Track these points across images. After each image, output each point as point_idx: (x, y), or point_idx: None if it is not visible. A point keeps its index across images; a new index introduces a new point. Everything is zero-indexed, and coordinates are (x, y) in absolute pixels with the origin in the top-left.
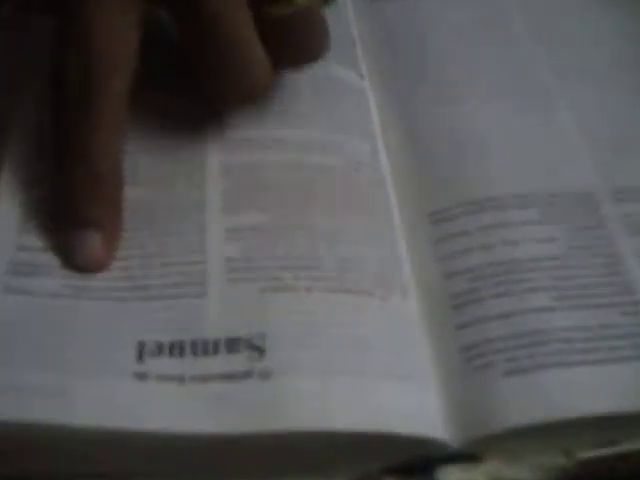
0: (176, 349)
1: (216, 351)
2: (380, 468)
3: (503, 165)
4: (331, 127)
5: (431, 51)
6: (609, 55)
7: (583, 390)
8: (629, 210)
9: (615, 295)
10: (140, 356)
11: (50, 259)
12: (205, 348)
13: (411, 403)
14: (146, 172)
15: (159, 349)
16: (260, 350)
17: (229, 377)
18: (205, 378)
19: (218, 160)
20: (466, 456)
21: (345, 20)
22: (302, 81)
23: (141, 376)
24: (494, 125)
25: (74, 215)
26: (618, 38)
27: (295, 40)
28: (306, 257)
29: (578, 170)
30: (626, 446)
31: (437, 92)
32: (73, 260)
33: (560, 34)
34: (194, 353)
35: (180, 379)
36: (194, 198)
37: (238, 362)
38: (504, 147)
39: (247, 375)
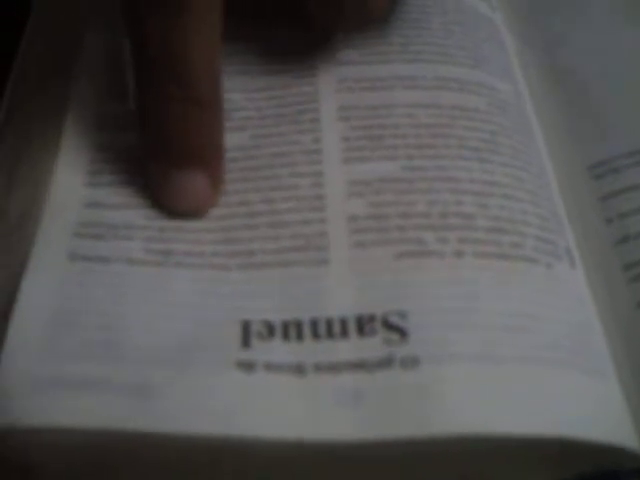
0: (292, 330)
1: (344, 333)
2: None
3: None
4: (467, 62)
5: None
6: None
7: None
8: None
9: None
10: (245, 340)
11: (127, 217)
12: (329, 329)
13: (593, 401)
14: (247, 114)
15: (270, 331)
16: (401, 331)
17: (362, 366)
18: (332, 367)
19: (334, 101)
20: None
21: None
22: (429, 10)
23: (247, 366)
24: None
25: (170, 150)
26: None
27: None
28: (451, 215)
29: None
30: None
31: (584, 22)
32: (171, 205)
33: None
34: (315, 335)
35: (299, 369)
36: (308, 145)
37: (373, 346)
38: None
39: (386, 363)
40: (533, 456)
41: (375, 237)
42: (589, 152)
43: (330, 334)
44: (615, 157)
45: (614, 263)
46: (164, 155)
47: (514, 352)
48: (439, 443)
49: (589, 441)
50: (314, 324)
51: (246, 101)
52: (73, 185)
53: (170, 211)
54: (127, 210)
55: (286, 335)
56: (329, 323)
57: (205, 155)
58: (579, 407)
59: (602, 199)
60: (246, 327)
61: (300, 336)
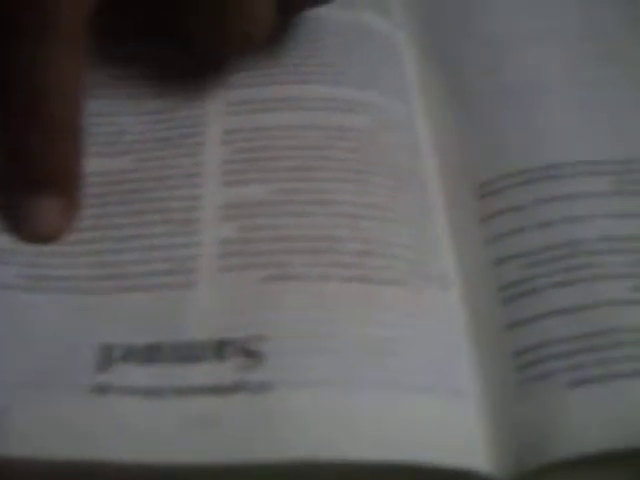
0: (153, 354)
1: (204, 357)
2: None
3: (567, 125)
4: (358, 82)
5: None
6: None
7: None
8: None
9: None
10: (103, 364)
11: (2, 241)
12: (189, 353)
13: (452, 425)
14: (132, 137)
15: (131, 354)
16: (256, 356)
17: (215, 390)
18: (189, 391)
19: (221, 124)
20: None
21: None
22: (325, 29)
23: (101, 389)
24: (555, 78)
25: (21, 176)
26: None
27: None
28: (322, 238)
29: None
30: None
31: (484, 44)
32: (21, 231)
33: None
34: (176, 359)
35: (155, 392)
36: (188, 169)
37: (230, 371)
38: (568, 103)
39: (241, 387)
40: None
41: (242, 261)
42: (477, 172)
43: (190, 358)
44: (500, 177)
45: (491, 283)
46: (16, 181)
47: (374, 378)
48: (294, 467)
49: (446, 466)
50: (176, 348)
51: (134, 125)
52: None
53: (22, 238)
54: (2, 235)
55: (148, 359)
56: (189, 347)
57: (57, 181)
58: (435, 432)
59: (483, 219)
60: (106, 351)
61: (161, 360)
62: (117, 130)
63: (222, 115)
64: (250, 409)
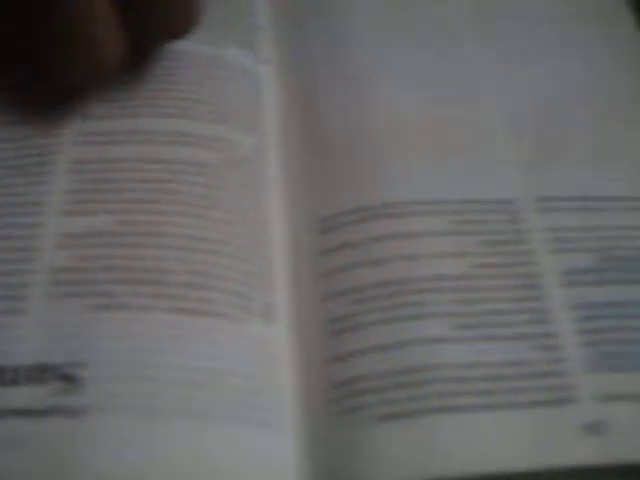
0: None
1: (24, 381)
2: None
3: (410, 165)
4: (209, 117)
5: (343, 36)
6: (546, 42)
7: (479, 441)
8: (556, 223)
9: (527, 325)
10: None
11: None
12: (13, 376)
13: (261, 454)
14: None
15: None
16: (75, 381)
17: (29, 413)
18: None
19: (71, 154)
20: None
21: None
22: (183, 63)
23: None
24: (405, 120)
25: None
26: (564, 21)
27: (156, 12)
28: (149, 270)
29: (499, 173)
30: None
31: (345, 82)
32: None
33: (495, 14)
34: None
35: None
36: (33, 196)
37: (44, 395)
38: (414, 145)
39: (51, 411)
40: None
41: (71, 289)
42: (320, 207)
43: (13, 381)
44: (341, 213)
45: (319, 317)
46: None
47: (182, 406)
48: None
49: None
50: (1, 371)
51: None
52: None
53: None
54: None
55: None
56: (14, 371)
57: None
58: (245, 460)
59: (321, 254)
60: None
61: None
62: None
63: (74, 145)
64: (61, 432)
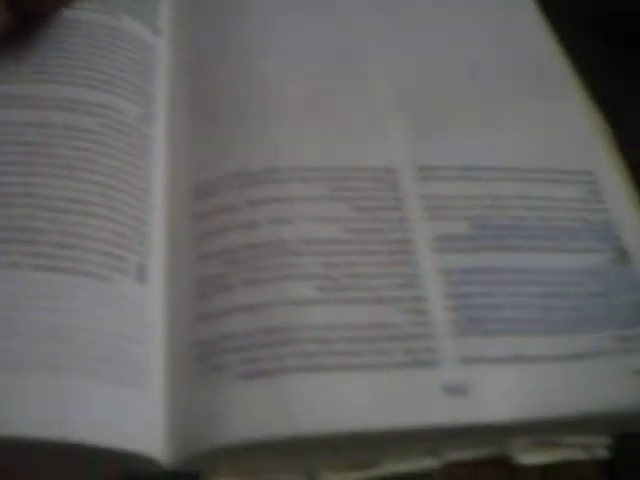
0: None
1: None
2: None
3: (292, 133)
4: (96, 85)
5: (237, 9)
6: (436, 15)
7: (336, 401)
8: (433, 191)
9: (397, 289)
10: None
11: None
12: None
13: (124, 410)
14: None
15: None
16: None
17: None
18: None
19: None
20: (188, 476)
21: None
22: (75, 31)
23: None
24: (289, 89)
25: None
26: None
27: None
28: (19, 229)
29: (384, 143)
30: (382, 470)
31: (234, 53)
32: None
33: None
34: None
35: None
36: None
37: None
38: (296, 113)
39: None
40: (66, 462)
41: None
42: (200, 173)
43: None
44: (219, 179)
45: (189, 279)
46: None
47: (45, 361)
48: None
49: (109, 449)
50: None
51: None
52: None
53: None
54: None
55: None
56: None
57: None
58: (106, 414)
59: (196, 218)
60: None
61: None
62: None
63: None
64: None
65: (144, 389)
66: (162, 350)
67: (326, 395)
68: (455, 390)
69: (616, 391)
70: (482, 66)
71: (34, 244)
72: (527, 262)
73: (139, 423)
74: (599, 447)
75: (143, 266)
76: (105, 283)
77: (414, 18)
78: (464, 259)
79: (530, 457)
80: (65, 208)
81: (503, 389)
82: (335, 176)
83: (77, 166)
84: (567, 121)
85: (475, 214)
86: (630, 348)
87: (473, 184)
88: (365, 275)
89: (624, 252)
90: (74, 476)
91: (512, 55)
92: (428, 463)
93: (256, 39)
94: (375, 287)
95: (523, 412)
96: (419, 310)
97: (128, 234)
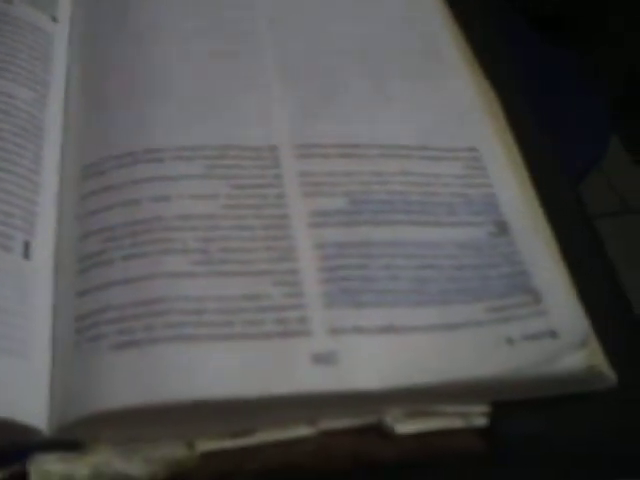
0: None
1: None
2: None
3: (176, 114)
4: None
5: None
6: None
7: (207, 369)
8: (312, 168)
9: (271, 262)
10: None
11: None
12: None
13: (4, 379)
14: None
15: None
16: None
17: None
18: None
19: None
20: (66, 444)
21: None
22: None
23: None
24: (176, 71)
25: None
26: None
27: None
28: None
29: (267, 122)
30: (258, 438)
31: (126, 38)
32: None
33: None
34: None
35: None
36: None
37: None
38: (181, 95)
39: None
40: None
41: None
42: (86, 154)
43: None
44: (104, 159)
45: (72, 255)
46: None
47: None
48: None
49: None
50: None
51: None
52: None
53: None
54: None
55: None
56: None
57: None
58: None
59: (82, 198)
60: None
61: None
62: None
63: None
64: None
65: (26, 360)
66: (46, 323)
67: (196, 364)
68: (324, 359)
69: (488, 359)
70: (371, 50)
71: None
72: (404, 236)
73: (20, 392)
74: (477, 415)
75: (28, 243)
76: None
77: (304, 1)
78: (340, 233)
79: (406, 426)
80: None
81: (372, 358)
82: (215, 154)
83: None
84: (453, 100)
85: (354, 190)
86: (503, 318)
87: (353, 161)
88: (239, 249)
89: (504, 226)
90: None
91: (403, 37)
92: (304, 431)
93: (148, 23)
94: (249, 260)
95: (392, 380)
96: (292, 282)
97: (15, 212)
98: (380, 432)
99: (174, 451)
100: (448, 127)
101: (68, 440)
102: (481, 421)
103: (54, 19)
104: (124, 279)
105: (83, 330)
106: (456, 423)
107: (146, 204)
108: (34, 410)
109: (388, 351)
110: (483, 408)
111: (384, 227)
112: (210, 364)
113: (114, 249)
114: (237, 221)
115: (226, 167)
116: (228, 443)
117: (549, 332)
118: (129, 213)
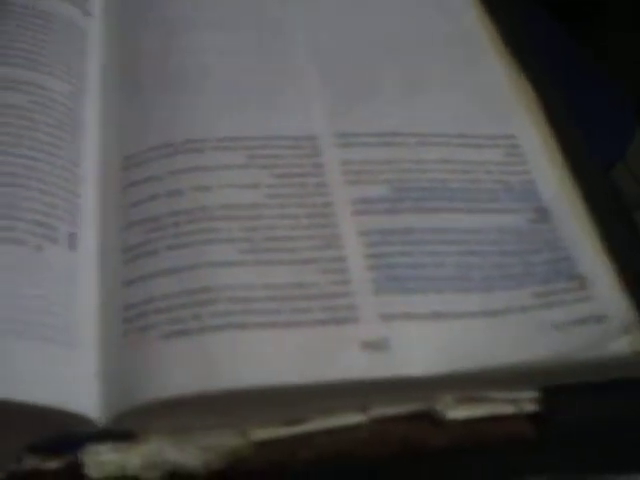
0: None
1: None
2: (21, 445)
3: (215, 105)
4: (22, 63)
5: None
6: None
7: (257, 357)
8: (353, 157)
9: (317, 250)
10: None
11: None
12: None
13: (55, 369)
14: None
15: None
16: None
17: None
18: None
19: None
20: (121, 434)
21: None
22: (6, 15)
23: None
24: (214, 62)
25: None
26: None
27: None
28: None
29: (306, 112)
30: (311, 426)
31: (161, 29)
32: None
33: None
34: None
35: None
36: None
37: None
38: (220, 85)
39: None
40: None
41: None
42: (126, 145)
43: None
44: (144, 150)
45: (117, 245)
46: None
47: None
48: None
49: (44, 406)
50: None
51: None
52: None
53: None
54: None
55: None
56: None
57: None
58: (38, 373)
59: (124, 188)
60: None
61: None
62: None
63: None
64: None
65: (74, 349)
66: (93, 313)
67: (247, 352)
68: (374, 345)
69: (535, 344)
70: (404, 38)
71: None
72: (446, 223)
73: (71, 382)
74: (527, 401)
75: (74, 235)
76: (36, 251)
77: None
78: (383, 221)
79: (457, 412)
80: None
81: (421, 344)
82: (255, 145)
83: (4, 141)
84: (488, 88)
85: (395, 177)
86: (548, 303)
87: (393, 149)
88: (284, 237)
89: (544, 212)
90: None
91: (435, 25)
92: (356, 419)
93: (182, 15)
94: (294, 248)
95: (441, 366)
96: (338, 269)
97: (58, 204)
98: (431, 419)
99: (228, 440)
100: (485, 115)
101: (118, 430)
102: (531, 407)
103: (87, 13)
104: (170, 268)
105: (131, 320)
106: (506, 409)
107: (189, 194)
108: (86, 400)
109: (437, 337)
110: (533, 394)
111: (426, 214)
112: (259, 352)
113: (159, 239)
114: (280, 210)
115: (266, 157)
116: (281, 431)
117: (595, 317)
118: (172, 203)
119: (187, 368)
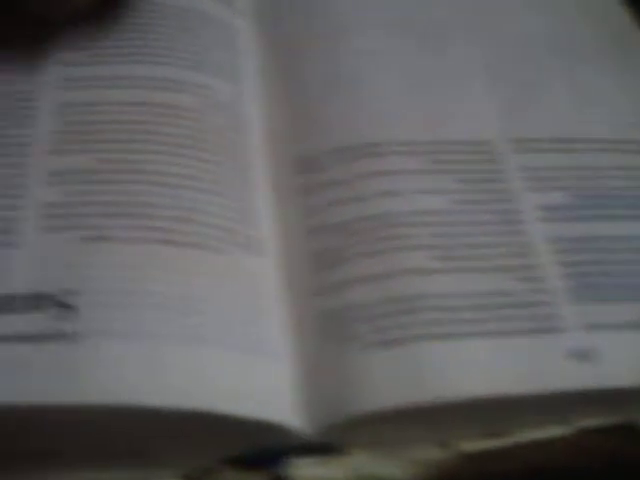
0: None
1: (20, 309)
2: (219, 459)
3: (390, 108)
4: (187, 64)
5: None
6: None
7: (467, 368)
8: (532, 163)
9: (508, 257)
10: None
11: None
12: (7, 304)
13: (256, 380)
14: None
15: None
16: (70, 308)
17: (31, 338)
18: (3, 338)
19: (51, 98)
20: (323, 447)
21: None
22: (160, 14)
23: None
24: (384, 64)
25: None
26: None
27: None
28: (138, 205)
29: (478, 116)
30: (515, 437)
31: (324, 30)
32: None
33: None
34: None
35: None
36: (18, 137)
37: (43, 321)
38: (393, 88)
39: (52, 337)
40: (198, 434)
41: (63, 223)
42: (302, 148)
43: (8, 309)
44: (322, 153)
45: (304, 251)
46: None
47: (176, 331)
48: (106, 412)
49: (248, 418)
50: None
51: None
52: None
53: None
54: None
55: None
56: (10, 299)
57: None
58: (241, 385)
59: (304, 192)
60: None
61: None
62: None
63: (57, 89)
64: (61, 355)
65: (272, 360)
66: (283, 321)
67: (455, 362)
68: (580, 356)
69: None
70: (564, 41)
71: (151, 219)
72: (627, 230)
73: (270, 394)
74: None
75: (252, 238)
76: (218, 255)
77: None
78: (569, 228)
79: None
80: (178, 184)
81: (627, 354)
82: (434, 149)
83: (183, 143)
84: None
85: (572, 185)
86: None
87: (568, 156)
88: (478, 245)
89: None
90: (198, 450)
91: (592, 27)
92: (561, 430)
93: (343, 16)
94: (487, 256)
95: None
96: (534, 278)
97: (239, 209)
98: (631, 430)
99: (432, 452)
100: None
101: (320, 443)
102: None
103: (235, 12)
104: (367, 276)
105: (330, 329)
106: None
107: (374, 199)
108: (288, 412)
109: None
110: None
111: (610, 222)
112: (468, 362)
113: (349, 245)
114: (471, 216)
115: (448, 162)
116: (486, 443)
117: None
118: (359, 209)
119: (395, 379)
